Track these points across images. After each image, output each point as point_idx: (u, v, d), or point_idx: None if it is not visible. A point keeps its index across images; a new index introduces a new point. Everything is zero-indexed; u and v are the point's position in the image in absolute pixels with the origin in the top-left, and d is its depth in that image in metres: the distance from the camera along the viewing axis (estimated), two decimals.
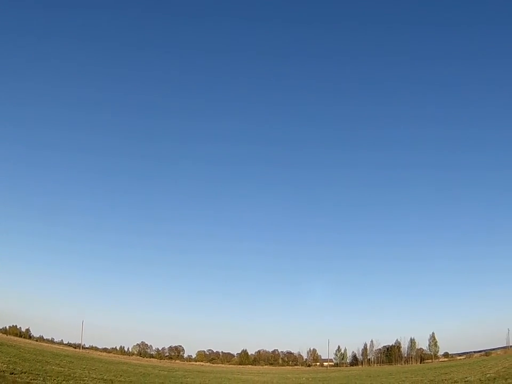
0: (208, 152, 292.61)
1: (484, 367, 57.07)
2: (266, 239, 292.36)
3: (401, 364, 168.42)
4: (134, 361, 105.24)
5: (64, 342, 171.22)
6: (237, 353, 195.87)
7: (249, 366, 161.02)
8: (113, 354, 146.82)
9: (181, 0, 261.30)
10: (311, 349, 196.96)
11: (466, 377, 38.50)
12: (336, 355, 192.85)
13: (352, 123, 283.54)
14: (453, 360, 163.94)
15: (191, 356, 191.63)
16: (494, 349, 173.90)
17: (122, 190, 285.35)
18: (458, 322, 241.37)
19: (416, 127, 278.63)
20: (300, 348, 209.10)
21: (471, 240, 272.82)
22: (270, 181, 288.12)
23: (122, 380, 37.97)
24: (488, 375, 38.34)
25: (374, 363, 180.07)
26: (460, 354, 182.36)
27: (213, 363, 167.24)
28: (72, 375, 34.92)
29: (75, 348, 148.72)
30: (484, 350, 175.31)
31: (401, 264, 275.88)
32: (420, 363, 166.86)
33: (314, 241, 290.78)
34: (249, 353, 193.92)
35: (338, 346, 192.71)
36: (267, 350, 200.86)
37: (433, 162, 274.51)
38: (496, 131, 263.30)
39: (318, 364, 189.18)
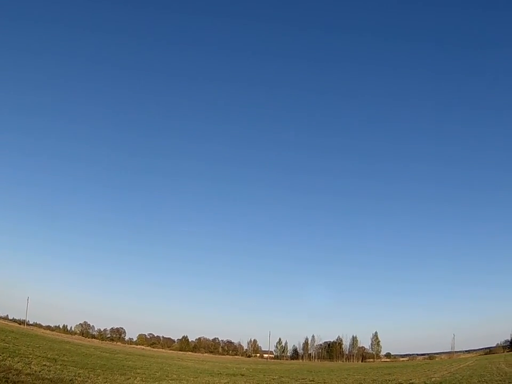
0: (210, 152, 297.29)
1: (428, 370, 57.69)
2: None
3: (343, 361, 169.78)
4: (76, 341, 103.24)
5: (9, 318, 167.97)
6: (178, 339, 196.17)
7: (190, 352, 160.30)
8: (56, 333, 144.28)
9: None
10: (252, 339, 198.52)
11: (410, 380, 38.47)
12: (277, 347, 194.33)
13: (356, 127, 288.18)
14: (395, 361, 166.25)
15: (132, 338, 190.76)
16: (438, 353, 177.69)
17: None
18: (401, 324, 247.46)
19: (418, 131, 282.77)
20: (241, 337, 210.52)
21: (414, 244, 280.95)
22: (272, 183, 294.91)
23: (65, 359, 36.79)
24: (433, 378, 38.62)
25: (314, 358, 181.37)
26: (402, 356, 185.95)
27: (153, 347, 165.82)
28: (17, 351, 33.75)
29: (20, 324, 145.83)
30: (428, 354, 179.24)
31: (344, 263, 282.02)
32: (362, 361, 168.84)
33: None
34: (189, 340, 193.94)
35: (279, 339, 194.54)
36: (207, 337, 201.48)
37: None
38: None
39: (258, 355, 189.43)
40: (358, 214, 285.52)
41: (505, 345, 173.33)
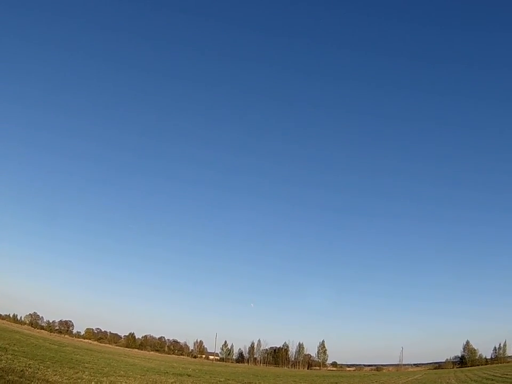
0: (211, 156, 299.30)
1: (376, 381, 58.00)
2: None
3: (288, 367, 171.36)
4: (26, 331, 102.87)
5: None
6: (124, 336, 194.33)
7: (136, 350, 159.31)
8: (6, 321, 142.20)
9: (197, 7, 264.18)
10: (198, 340, 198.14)
11: None
12: (223, 350, 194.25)
13: (352, 124, 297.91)
14: (342, 370, 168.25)
15: (79, 332, 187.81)
16: (385, 365, 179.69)
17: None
18: (349, 334, 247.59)
19: (418, 131, 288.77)
20: (187, 338, 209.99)
21: (364, 256, 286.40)
22: (271, 183, 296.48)
23: (16, 349, 36.74)
24: None
25: (260, 363, 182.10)
26: (349, 366, 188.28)
27: (100, 342, 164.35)
28: None
29: None
30: (375, 365, 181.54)
31: (293, 270, 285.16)
32: (308, 369, 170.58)
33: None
34: (136, 337, 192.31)
35: (225, 341, 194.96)
36: (154, 335, 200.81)
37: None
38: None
39: (203, 356, 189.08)
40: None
41: (455, 361, 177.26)
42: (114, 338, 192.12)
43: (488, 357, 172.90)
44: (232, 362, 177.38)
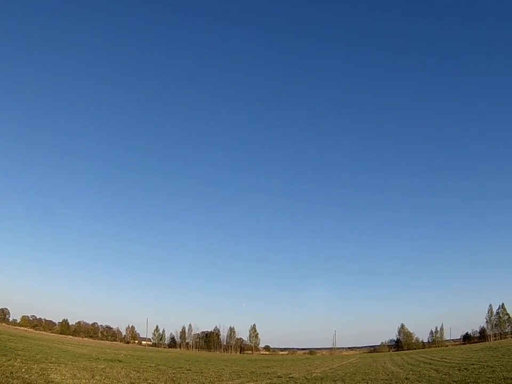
0: (211, 154, 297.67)
1: (309, 365, 57.22)
2: None
3: (221, 352, 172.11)
4: None
5: None
6: (59, 322, 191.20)
7: (70, 336, 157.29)
8: None
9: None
10: (130, 325, 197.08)
11: (290, 374, 38.25)
12: (155, 335, 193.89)
13: (352, 122, 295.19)
14: (274, 354, 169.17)
15: (16, 320, 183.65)
16: (319, 349, 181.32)
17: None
18: (281, 318, 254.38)
19: (418, 128, 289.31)
20: (119, 323, 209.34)
21: (288, 240, 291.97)
22: (272, 181, 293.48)
23: None
24: (314, 374, 38.05)
25: (192, 347, 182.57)
26: (282, 349, 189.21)
27: (36, 329, 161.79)
28: None
29: None
30: (308, 348, 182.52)
31: (225, 255, 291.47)
32: (240, 353, 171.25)
33: None
34: (70, 324, 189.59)
35: (157, 326, 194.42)
36: (87, 322, 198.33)
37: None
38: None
39: (136, 342, 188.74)
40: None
41: (390, 344, 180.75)
42: (49, 325, 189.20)
43: (425, 341, 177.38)
44: (164, 347, 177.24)
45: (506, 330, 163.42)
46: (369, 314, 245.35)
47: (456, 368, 35.84)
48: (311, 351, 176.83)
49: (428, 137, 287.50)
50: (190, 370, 39.50)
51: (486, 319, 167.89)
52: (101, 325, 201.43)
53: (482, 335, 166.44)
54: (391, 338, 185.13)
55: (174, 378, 29.75)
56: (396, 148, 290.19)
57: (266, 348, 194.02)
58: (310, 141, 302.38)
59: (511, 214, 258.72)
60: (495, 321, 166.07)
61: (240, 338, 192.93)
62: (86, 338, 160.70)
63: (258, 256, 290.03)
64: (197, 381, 28.72)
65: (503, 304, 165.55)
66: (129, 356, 60.54)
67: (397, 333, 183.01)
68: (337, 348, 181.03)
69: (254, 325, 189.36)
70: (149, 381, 26.72)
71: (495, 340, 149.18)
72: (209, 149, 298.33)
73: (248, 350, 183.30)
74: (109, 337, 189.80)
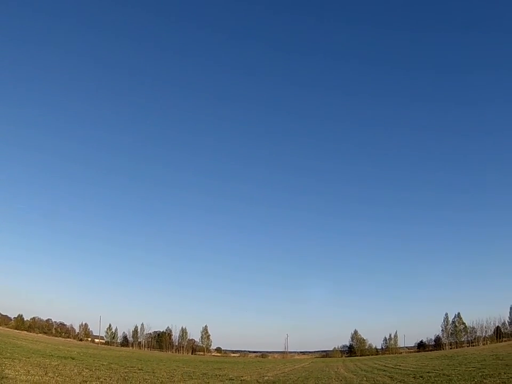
0: (211, 150, 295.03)
1: (261, 368, 57.16)
2: None
3: (172, 352, 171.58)
4: None
5: None
6: (14, 317, 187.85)
7: (25, 332, 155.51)
8: None
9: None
10: (83, 323, 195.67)
11: (242, 376, 38.07)
12: (107, 333, 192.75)
13: (352, 121, 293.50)
14: (226, 356, 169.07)
15: None
16: (270, 352, 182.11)
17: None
18: (233, 320, 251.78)
19: (416, 126, 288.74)
20: (73, 320, 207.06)
21: (254, 245, 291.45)
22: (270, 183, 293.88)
23: None
24: (266, 377, 38.17)
25: (144, 347, 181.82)
26: (233, 352, 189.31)
27: None
28: None
29: None
30: (260, 352, 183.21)
31: (182, 256, 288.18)
32: (192, 354, 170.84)
33: None
34: (25, 319, 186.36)
35: (110, 325, 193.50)
36: (42, 318, 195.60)
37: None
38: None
39: (89, 339, 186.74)
40: None
41: (343, 350, 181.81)
42: (4, 320, 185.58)
43: (379, 347, 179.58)
44: (117, 346, 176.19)
45: (462, 340, 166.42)
46: (322, 319, 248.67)
47: (411, 375, 35.78)
48: (263, 354, 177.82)
49: (426, 131, 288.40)
50: (142, 370, 39.57)
51: (442, 327, 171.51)
52: (55, 322, 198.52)
53: (438, 344, 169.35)
54: (343, 344, 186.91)
55: (126, 377, 29.88)
56: (396, 146, 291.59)
57: (218, 350, 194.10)
58: (309, 137, 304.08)
59: (467, 225, 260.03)
60: (450, 330, 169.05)
61: (192, 339, 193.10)
62: (40, 334, 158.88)
63: (210, 258, 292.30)
64: (149, 381, 28.94)
65: (459, 313, 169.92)
66: (82, 354, 60.43)
67: (350, 339, 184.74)
68: (289, 352, 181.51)
69: (206, 326, 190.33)
70: (101, 380, 26.80)
71: (451, 348, 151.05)
72: (205, 139, 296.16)
73: (200, 351, 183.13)
74: (63, 333, 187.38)
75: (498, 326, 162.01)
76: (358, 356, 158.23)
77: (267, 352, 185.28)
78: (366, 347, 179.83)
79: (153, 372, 37.63)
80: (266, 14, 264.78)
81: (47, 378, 24.40)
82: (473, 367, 38.90)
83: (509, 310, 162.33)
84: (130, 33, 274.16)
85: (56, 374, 26.92)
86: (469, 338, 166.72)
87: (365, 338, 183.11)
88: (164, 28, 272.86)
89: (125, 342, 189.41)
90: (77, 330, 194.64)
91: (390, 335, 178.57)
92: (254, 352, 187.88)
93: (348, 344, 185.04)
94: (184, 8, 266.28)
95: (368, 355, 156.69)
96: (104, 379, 27.48)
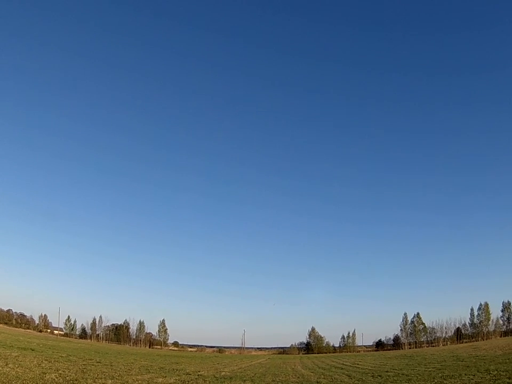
0: (209, 150, 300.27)
1: (218, 363, 57.16)
2: None
3: (130, 345, 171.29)
4: None
5: None
6: None
7: None
8: None
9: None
10: (43, 314, 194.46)
11: (199, 371, 38.21)
12: (66, 325, 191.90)
13: (353, 121, 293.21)
14: (183, 350, 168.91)
15: None
16: (228, 347, 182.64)
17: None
18: (190, 314, 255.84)
19: (418, 127, 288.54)
20: (33, 311, 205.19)
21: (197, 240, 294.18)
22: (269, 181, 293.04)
23: None
24: (223, 373, 38.27)
25: (102, 339, 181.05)
26: (191, 346, 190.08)
27: None
28: None
29: None
30: (217, 347, 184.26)
31: (138, 250, 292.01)
32: (149, 347, 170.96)
33: None
34: None
35: (68, 316, 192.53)
36: (2, 308, 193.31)
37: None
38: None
39: (49, 331, 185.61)
40: None
41: (300, 347, 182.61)
42: None
43: (337, 345, 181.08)
44: (75, 338, 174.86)
45: (422, 340, 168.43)
46: (279, 315, 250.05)
47: (369, 374, 36.58)
48: (220, 349, 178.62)
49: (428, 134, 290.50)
50: (100, 362, 39.85)
51: (401, 327, 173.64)
52: (16, 312, 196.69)
53: (396, 343, 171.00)
54: (301, 341, 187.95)
55: (85, 370, 30.30)
56: (395, 147, 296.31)
57: (175, 344, 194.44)
58: (309, 138, 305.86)
59: (426, 226, 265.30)
60: (409, 330, 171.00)
61: (150, 333, 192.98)
62: (0, 325, 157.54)
63: (168, 252, 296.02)
64: (107, 374, 29.30)
65: (418, 313, 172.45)
66: (41, 345, 60.37)
67: (307, 336, 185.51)
68: (246, 348, 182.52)
69: (163, 320, 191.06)
70: (60, 372, 27.05)
71: (410, 348, 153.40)
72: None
73: (157, 345, 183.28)
74: (23, 324, 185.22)
75: (458, 327, 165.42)
76: (315, 353, 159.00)
77: (224, 347, 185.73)
78: (324, 345, 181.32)
79: (111, 365, 37.93)
80: (263, 15, 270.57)
81: (7, 370, 24.92)
82: (433, 368, 39.22)
83: (469, 312, 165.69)
84: (131, 34, 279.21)
85: (17, 365, 27.41)
86: (428, 339, 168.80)
87: (322, 335, 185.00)
88: (165, 29, 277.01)
89: (83, 334, 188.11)
90: (37, 322, 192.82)
91: (348, 333, 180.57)
92: (211, 347, 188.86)
93: (305, 342, 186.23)
94: (185, 10, 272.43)
95: (326, 353, 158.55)
96: (63, 371, 27.82)
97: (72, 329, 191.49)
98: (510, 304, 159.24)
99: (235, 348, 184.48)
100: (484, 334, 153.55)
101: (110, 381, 25.69)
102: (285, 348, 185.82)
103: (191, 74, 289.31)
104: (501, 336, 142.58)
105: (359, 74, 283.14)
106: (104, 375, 28.49)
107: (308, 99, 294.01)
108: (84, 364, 35.64)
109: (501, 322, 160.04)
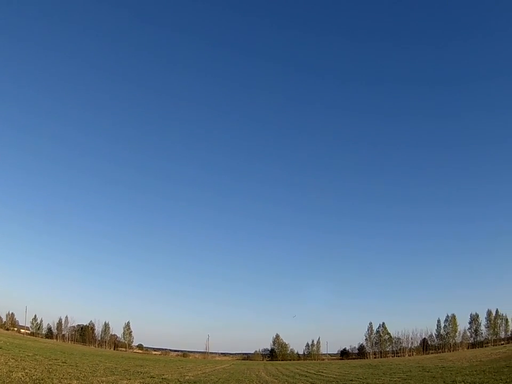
0: (208, 153, 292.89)
1: (182, 368, 57.28)
2: None
3: (95, 346, 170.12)
4: None
5: None
6: None
7: None
8: None
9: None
10: (10, 312, 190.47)
11: (163, 375, 38.42)
12: (33, 324, 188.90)
13: (354, 120, 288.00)
14: (147, 353, 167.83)
15: None
16: (192, 352, 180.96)
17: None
18: (154, 317, 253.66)
19: (419, 126, 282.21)
20: (0, 309, 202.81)
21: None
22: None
23: None
24: (187, 377, 38.64)
25: (68, 340, 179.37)
26: (155, 349, 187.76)
27: None
28: None
29: None
30: (181, 351, 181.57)
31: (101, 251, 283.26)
32: (114, 349, 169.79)
33: None
34: None
35: (35, 316, 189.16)
36: None
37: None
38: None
39: (15, 329, 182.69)
40: None
41: (264, 353, 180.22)
42: None
43: (301, 353, 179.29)
44: (41, 337, 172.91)
45: (387, 349, 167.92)
46: (243, 321, 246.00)
47: (333, 382, 37.11)
48: (184, 354, 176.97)
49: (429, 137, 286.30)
50: (66, 363, 39.97)
51: (366, 336, 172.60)
52: None
53: (361, 352, 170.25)
54: (265, 348, 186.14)
55: (50, 370, 30.58)
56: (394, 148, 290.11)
57: (140, 347, 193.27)
58: (309, 136, 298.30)
59: (392, 237, 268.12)
60: (375, 339, 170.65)
61: (115, 335, 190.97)
62: None
63: (134, 253, 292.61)
64: (72, 374, 29.57)
65: (383, 323, 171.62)
66: (8, 343, 60.30)
67: (272, 343, 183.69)
68: (210, 353, 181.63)
69: (128, 322, 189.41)
70: (26, 371, 27.34)
71: (375, 357, 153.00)
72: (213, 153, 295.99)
73: (122, 347, 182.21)
74: None
75: (425, 338, 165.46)
76: (279, 360, 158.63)
77: (188, 351, 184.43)
78: (288, 352, 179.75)
79: (76, 366, 38.18)
80: (263, 27, 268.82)
81: None
82: (398, 377, 39.16)
83: (436, 323, 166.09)
84: (128, 42, 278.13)
85: None
86: (394, 349, 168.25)
87: (287, 343, 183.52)
88: (165, 34, 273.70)
89: (50, 334, 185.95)
90: (4, 320, 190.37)
91: (313, 341, 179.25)
92: (176, 351, 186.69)
93: (269, 348, 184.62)
94: (187, 21, 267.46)
95: (290, 360, 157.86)
96: (30, 370, 28.20)
97: (38, 329, 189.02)
98: (478, 316, 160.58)
99: (199, 352, 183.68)
100: (450, 346, 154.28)
101: (76, 381, 26.25)
102: (249, 354, 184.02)
103: (186, 80, 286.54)
104: (468, 348, 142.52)
105: (355, 86, 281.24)
106: (69, 375, 28.86)
107: (306, 110, 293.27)
108: (49, 364, 35.92)
109: (468, 334, 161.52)
